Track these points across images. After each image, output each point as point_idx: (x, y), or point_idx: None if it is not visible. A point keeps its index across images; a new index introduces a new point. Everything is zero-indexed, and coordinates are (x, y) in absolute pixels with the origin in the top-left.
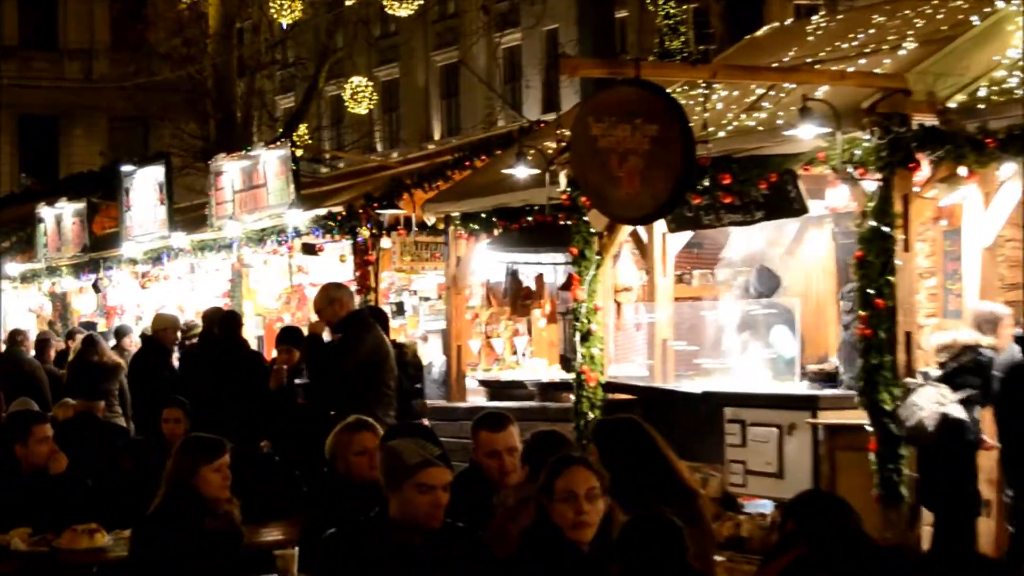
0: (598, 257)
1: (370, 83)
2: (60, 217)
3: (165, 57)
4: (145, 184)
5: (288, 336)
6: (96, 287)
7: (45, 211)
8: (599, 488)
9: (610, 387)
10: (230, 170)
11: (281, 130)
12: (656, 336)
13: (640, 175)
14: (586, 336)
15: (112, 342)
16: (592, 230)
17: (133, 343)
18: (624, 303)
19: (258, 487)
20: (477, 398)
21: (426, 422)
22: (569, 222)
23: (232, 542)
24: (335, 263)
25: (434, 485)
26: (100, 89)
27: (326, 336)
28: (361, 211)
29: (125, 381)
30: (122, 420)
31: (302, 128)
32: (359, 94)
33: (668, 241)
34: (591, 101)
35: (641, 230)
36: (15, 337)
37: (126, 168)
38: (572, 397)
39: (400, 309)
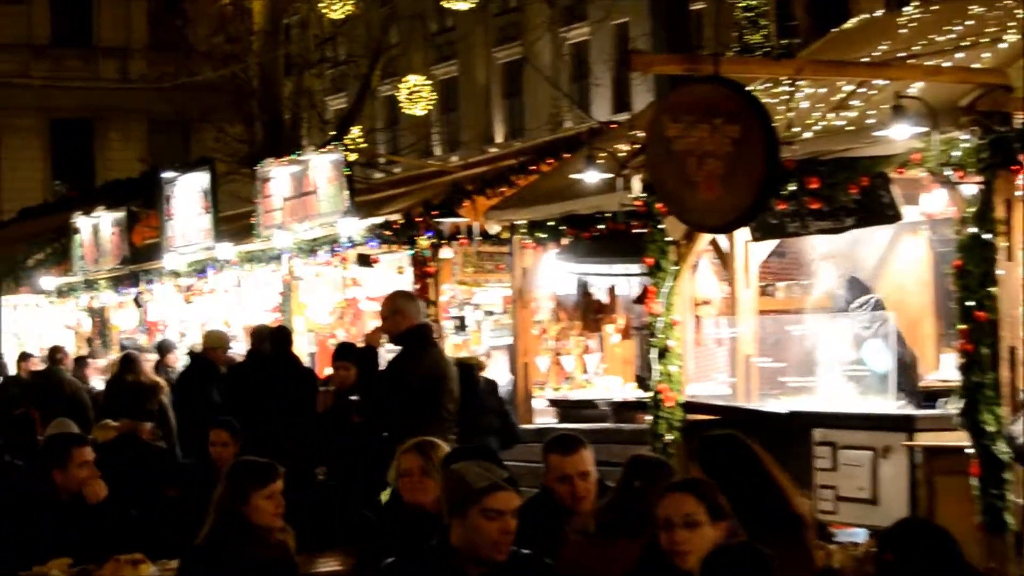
0: (675, 268)
1: (427, 82)
2: (97, 227)
3: (206, 56)
4: (188, 191)
5: (346, 352)
6: (137, 302)
7: (81, 221)
8: (702, 515)
9: (689, 407)
10: (278, 176)
11: (332, 133)
12: (738, 352)
13: (720, 179)
14: (663, 353)
15: (156, 357)
16: (668, 239)
17: (178, 360)
18: (704, 317)
19: (313, 514)
20: (545, 419)
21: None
22: (644, 230)
23: (286, 573)
24: (392, 275)
25: (502, 510)
26: (137, 90)
27: (383, 351)
28: (419, 219)
29: (166, 401)
30: (160, 442)
31: (355, 130)
32: (415, 94)
33: (751, 250)
34: (666, 100)
35: (722, 239)
36: (55, 355)
37: (167, 174)
38: (648, 418)
39: (462, 324)
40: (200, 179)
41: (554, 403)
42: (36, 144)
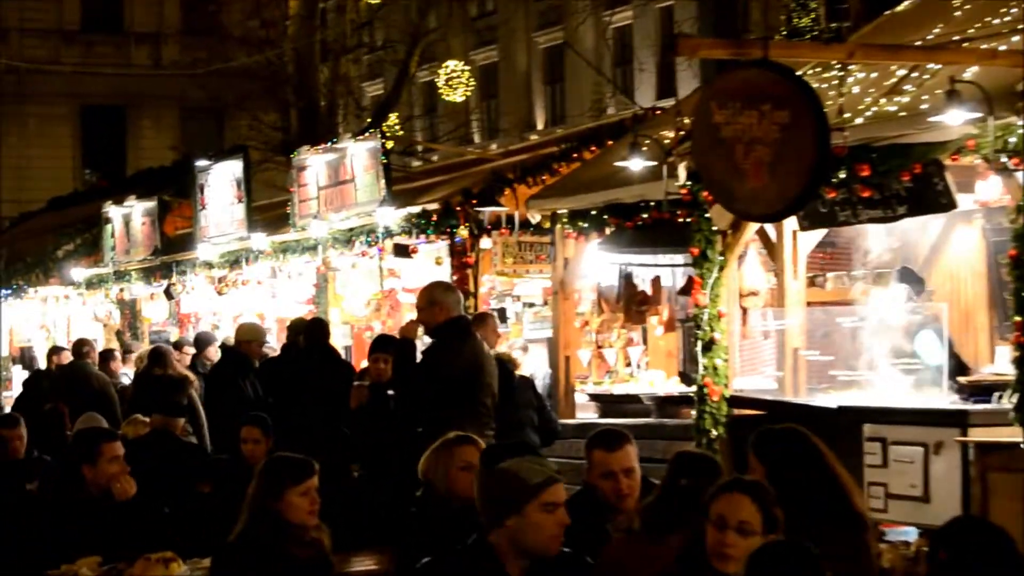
0: (721, 258)
1: (466, 68)
2: (129, 217)
3: (241, 41)
4: (221, 180)
5: (383, 345)
6: (168, 293)
7: (112, 210)
8: (758, 525)
9: (735, 401)
10: (314, 164)
11: (369, 120)
12: (786, 345)
13: (768, 167)
14: (708, 345)
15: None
16: (715, 228)
17: (218, 354)
18: (750, 309)
19: (349, 512)
20: (587, 414)
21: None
22: (689, 219)
23: (321, 572)
24: (430, 266)
25: (559, 503)
26: (170, 76)
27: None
28: (458, 209)
29: (195, 396)
30: (190, 438)
31: (392, 118)
32: (455, 80)
33: (799, 240)
34: (713, 85)
35: (769, 228)
36: (80, 348)
37: (200, 163)
38: (693, 413)
39: (502, 316)
40: (234, 167)
41: (595, 398)
42: (66, 132)
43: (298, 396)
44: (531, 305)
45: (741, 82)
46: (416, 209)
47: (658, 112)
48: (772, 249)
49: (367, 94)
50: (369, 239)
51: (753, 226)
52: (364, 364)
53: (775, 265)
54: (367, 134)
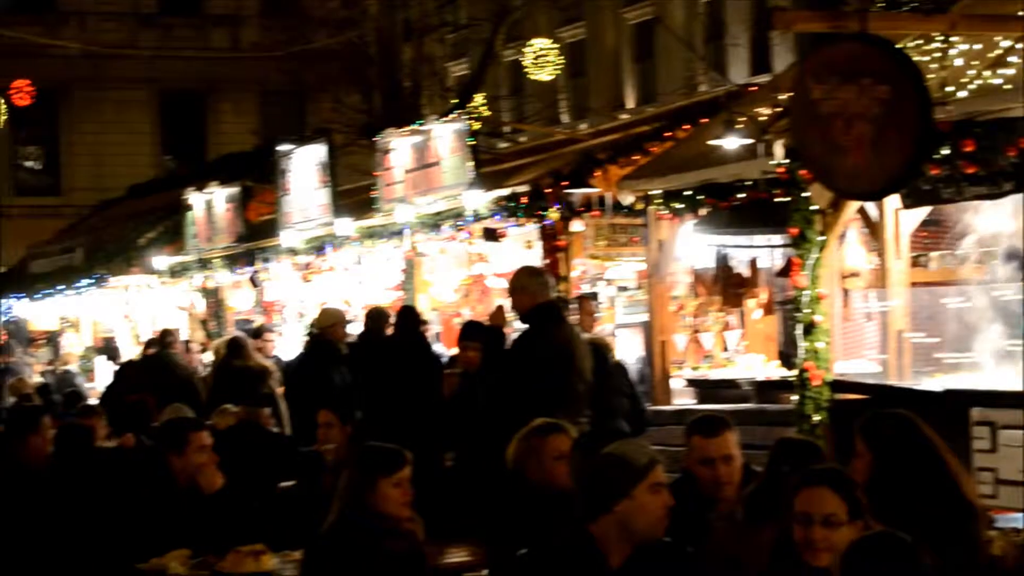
0: (821, 238)
1: (554, 46)
2: (211, 203)
3: (321, 22)
4: (304, 165)
5: (473, 332)
6: (253, 281)
7: (194, 197)
8: (843, 515)
9: (838, 386)
10: (399, 147)
11: (455, 101)
12: (890, 327)
13: (869, 143)
14: (809, 328)
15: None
16: (814, 207)
17: None
18: (852, 290)
19: (442, 502)
20: (683, 400)
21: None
22: (787, 199)
23: (415, 565)
24: (520, 250)
25: (664, 483)
26: (250, 59)
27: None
28: (548, 191)
29: (275, 386)
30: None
31: (478, 98)
32: (541, 58)
33: (902, 218)
34: (811, 59)
35: (870, 206)
36: (165, 339)
37: (283, 147)
38: (794, 398)
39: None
40: (317, 151)
41: (692, 383)
42: (145, 118)
43: (386, 384)
44: (625, 289)
45: (839, 56)
46: (505, 192)
47: (752, 88)
48: (874, 228)
49: (452, 74)
50: (457, 223)
51: (854, 205)
52: (453, 352)
53: (877, 245)
54: (452, 115)
